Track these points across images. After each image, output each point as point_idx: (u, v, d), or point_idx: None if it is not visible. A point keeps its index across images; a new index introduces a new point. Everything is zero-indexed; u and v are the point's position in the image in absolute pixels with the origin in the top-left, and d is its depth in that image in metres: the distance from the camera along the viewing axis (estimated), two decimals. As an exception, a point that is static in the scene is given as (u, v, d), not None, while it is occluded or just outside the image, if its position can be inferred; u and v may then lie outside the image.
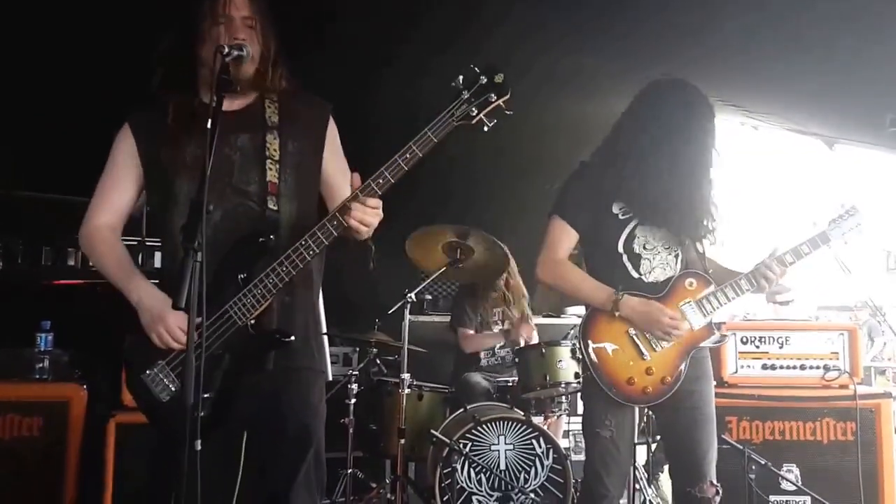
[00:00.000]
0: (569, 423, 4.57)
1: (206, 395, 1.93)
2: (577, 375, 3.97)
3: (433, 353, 4.68)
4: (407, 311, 4.09)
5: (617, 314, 2.62)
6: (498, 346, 4.76)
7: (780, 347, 3.94)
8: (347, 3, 4.04)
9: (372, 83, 4.79)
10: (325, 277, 2.39)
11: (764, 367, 3.92)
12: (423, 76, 4.15)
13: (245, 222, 2.16)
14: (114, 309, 2.25)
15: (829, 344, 3.92)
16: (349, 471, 4.15)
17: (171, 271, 2.06)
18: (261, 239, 2.11)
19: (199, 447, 1.76)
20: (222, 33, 2.15)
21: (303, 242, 2.06)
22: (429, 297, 5.76)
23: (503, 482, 3.75)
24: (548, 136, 5.50)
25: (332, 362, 4.78)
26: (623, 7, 3.79)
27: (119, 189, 2.29)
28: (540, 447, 3.81)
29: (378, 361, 4.79)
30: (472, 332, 4.81)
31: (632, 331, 2.65)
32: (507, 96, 2.05)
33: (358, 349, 5.24)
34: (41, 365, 3.60)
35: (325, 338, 2.60)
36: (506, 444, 3.81)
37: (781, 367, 3.91)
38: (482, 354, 4.77)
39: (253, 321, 2.10)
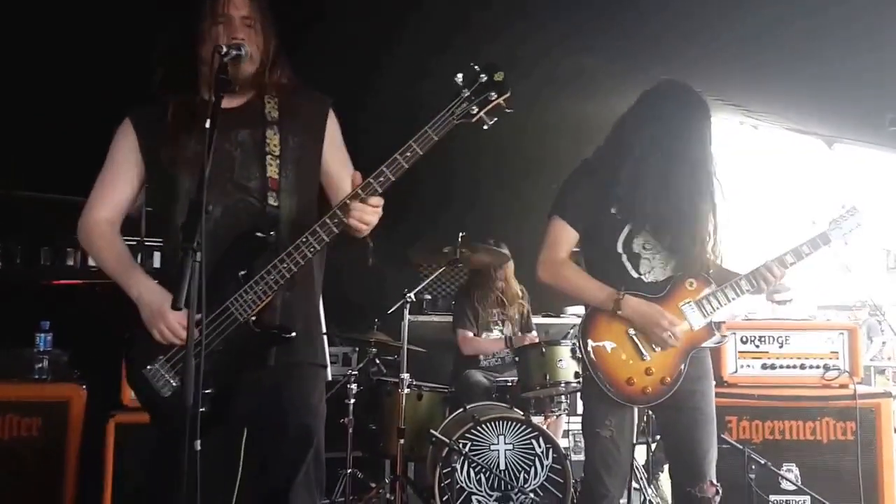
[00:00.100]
0: (568, 422, 4.57)
1: (206, 392, 1.93)
2: (577, 375, 3.97)
3: (433, 352, 4.69)
4: (406, 311, 4.09)
5: (619, 313, 2.62)
6: (497, 347, 4.76)
7: (780, 347, 3.94)
8: (348, 2, 4.04)
9: (372, 83, 4.79)
10: (324, 277, 2.39)
11: (764, 366, 3.92)
12: (424, 76, 4.15)
13: (245, 218, 2.16)
14: (113, 308, 2.25)
15: (828, 343, 3.92)
16: (349, 471, 4.15)
17: (172, 269, 2.06)
18: (261, 235, 2.11)
19: (198, 447, 1.76)
20: (221, 33, 2.15)
21: (304, 239, 2.06)
22: (428, 296, 5.78)
23: (503, 482, 3.75)
24: (549, 136, 5.51)
25: (331, 362, 4.79)
26: (623, 8, 3.79)
27: (119, 184, 2.29)
28: (539, 447, 3.81)
29: (377, 361, 4.79)
30: (471, 334, 4.80)
31: (632, 331, 2.65)
32: (508, 94, 2.05)
33: (357, 349, 5.24)
34: (40, 365, 3.60)
35: (325, 337, 2.61)
36: (505, 443, 3.81)
37: (781, 367, 3.91)
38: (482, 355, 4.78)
39: (254, 318, 2.10)
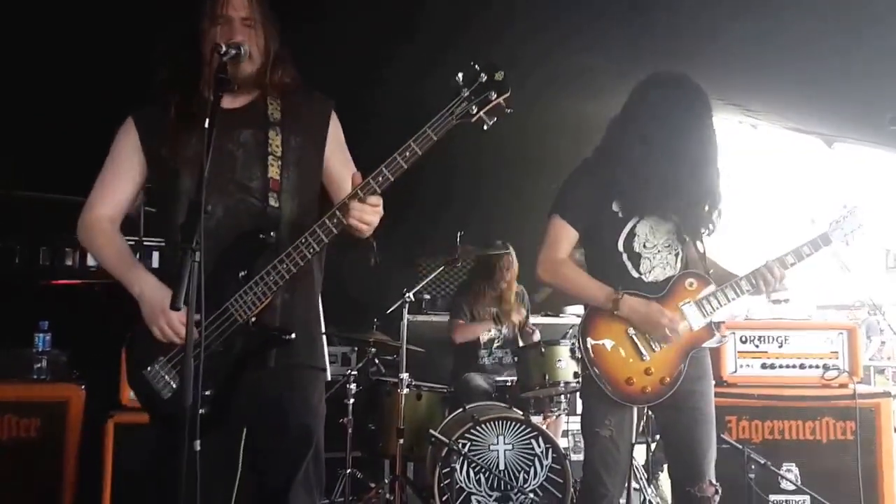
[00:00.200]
0: (568, 422, 4.57)
1: (206, 393, 1.92)
2: (576, 375, 3.97)
3: (432, 352, 4.69)
4: (405, 311, 4.09)
5: (616, 313, 2.61)
6: (488, 334, 4.74)
7: (780, 347, 3.93)
8: (348, 2, 4.04)
9: (372, 83, 4.79)
10: (324, 277, 2.38)
11: (763, 366, 3.92)
12: (425, 77, 4.14)
13: (246, 218, 2.16)
14: (112, 309, 2.25)
15: (828, 343, 3.92)
16: (348, 471, 4.15)
17: (172, 269, 2.06)
18: (261, 236, 2.11)
19: (198, 447, 1.75)
20: (220, 34, 2.15)
21: (303, 240, 2.06)
22: (427, 296, 5.77)
23: (502, 482, 3.75)
24: (549, 136, 5.50)
25: (330, 362, 4.78)
26: (624, 8, 3.79)
27: (120, 183, 2.29)
28: (539, 447, 3.80)
29: (377, 361, 4.80)
30: (462, 321, 4.81)
31: (631, 330, 2.65)
32: (508, 94, 2.04)
33: (357, 349, 5.24)
34: (39, 365, 3.60)
35: (324, 337, 2.61)
36: (505, 443, 3.81)
37: (781, 367, 3.91)
38: (481, 353, 4.77)
39: (254, 318, 2.10)
